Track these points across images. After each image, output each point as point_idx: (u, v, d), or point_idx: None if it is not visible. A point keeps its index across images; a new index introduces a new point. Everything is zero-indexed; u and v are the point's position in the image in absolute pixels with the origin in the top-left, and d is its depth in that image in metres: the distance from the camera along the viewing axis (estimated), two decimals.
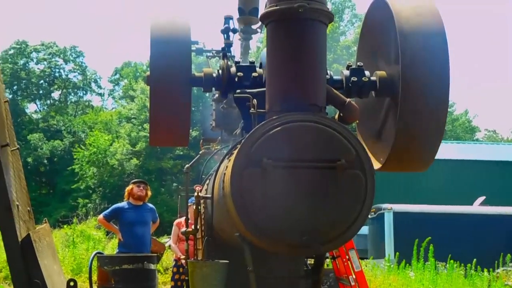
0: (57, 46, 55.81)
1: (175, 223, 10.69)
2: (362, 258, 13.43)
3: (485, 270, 15.92)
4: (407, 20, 4.32)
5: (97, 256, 6.75)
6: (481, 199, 22.30)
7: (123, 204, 9.96)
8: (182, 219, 10.42)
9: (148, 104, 4.53)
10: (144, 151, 41.16)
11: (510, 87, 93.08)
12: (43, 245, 6.01)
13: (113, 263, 6.49)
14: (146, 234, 9.82)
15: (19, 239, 5.54)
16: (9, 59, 54.09)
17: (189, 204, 7.94)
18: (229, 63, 4.70)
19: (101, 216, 10.09)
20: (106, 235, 21.46)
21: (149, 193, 10.12)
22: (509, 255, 16.93)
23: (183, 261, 9.51)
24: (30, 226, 6.14)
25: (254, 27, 7.82)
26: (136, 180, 10.47)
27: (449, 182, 29.09)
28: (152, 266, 6.78)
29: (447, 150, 29.04)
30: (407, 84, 4.25)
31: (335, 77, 4.68)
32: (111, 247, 18.30)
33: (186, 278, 4.73)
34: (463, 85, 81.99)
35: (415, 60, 4.24)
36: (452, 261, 15.69)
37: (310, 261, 5.24)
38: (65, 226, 20.82)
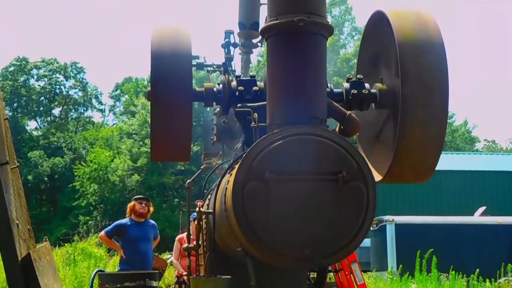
0: (57, 63, 55.85)
1: (177, 238, 10.65)
2: (365, 271, 13.39)
3: (487, 280, 15.87)
4: (406, 32, 4.34)
5: (98, 274, 6.74)
6: (482, 209, 22.26)
7: (126, 220, 9.91)
8: (184, 235, 10.38)
9: (149, 119, 4.54)
10: (146, 167, 41.07)
11: (509, 97, 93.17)
12: (43, 263, 5.99)
13: (114, 281, 6.47)
14: (149, 251, 9.77)
15: (19, 258, 5.51)
16: (9, 76, 54.12)
17: (190, 220, 7.93)
18: (230, 77, 4.72)
19: (102, 232, 10.04)
20: (108, 252, 21.38)
21: (151, 209, 10.08)
22: (510, 264, 16.87)
23: (185, 277, 9.47)
24: (30, 244, 6.12)
25: (254, 41, 7.85)
26: (138, 196, 10.43)
27: (449, 193, 29.07)
28: (154, 283, 6.75)
29: (447, 161, 29.03)
30: (407, 97, 4.26)
31: (335, 90, 4.69)
32: (112, 265, 18.22)
33: None
34: (462, 94, 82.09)
35: (414, 73, 4.26)
36: (454, 272, 15.64)
37: (313, 274, 5.23)
38: (66, 244, 20.74)
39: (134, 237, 9.59)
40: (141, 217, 9.78)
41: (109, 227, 10.12)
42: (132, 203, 9.92)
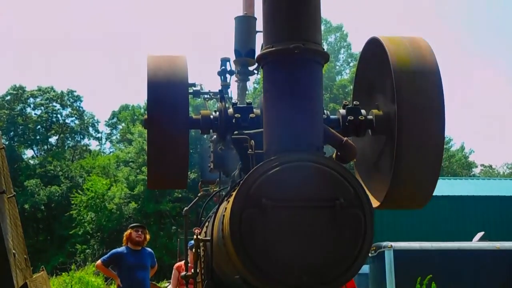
0: (54, 91, 55.97)
1: (175, 266, 10.61)
2: None
3: None
4: (401, 58, 4.37)
5: None
6: (480, 234, 22.18)
7: (122, 249, 9.88)
8: (182, 263, 10.34)
9: (146, 147, 4.54)
10: (143, 195, 41.01)
11: (506, 122, 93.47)
12: None
13: None
14: (146, 279, 9.74)
15: None
16: (6, 105, 54.22)
17: (188, 248, 7.88)
18: (226, 105, 4.73)
19: (99, 261, 9.99)
20: (105, 281, 21.25)
21: (148, 237, 10.05)
22: None
23: None
24: (27, 274, 6.08)
25: (251, 68, 7.88)
26: (134, 224, 10.40)
27: (447, 218, 29.02)
28: None
29: (445, 187, 29.02)
30: (403, 123, 4.28)
31: (331, 117, 4.70)
32: None
33: None
34: (458, 120, 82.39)
35: (410, 98, 4.28)
36: None
37: None
38: (63, 273, 20.60)
39: (131, 265, 9.56)
40: (137, 245, 9.76)
41: (106, 255, 10.08)
42: (128, 231, 9.90)
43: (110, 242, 40.13)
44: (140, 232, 9.82)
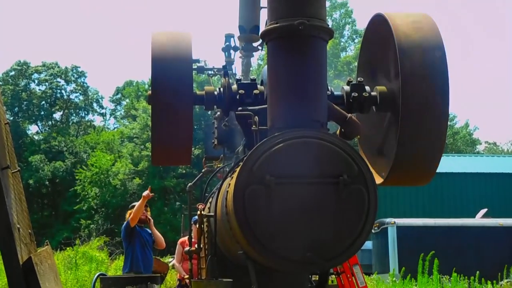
0: (58, 67, 55.84)
1: (179, 242, 10.66)
2: (366, 274, 13.38)
3: (489, 282, 15.86)
4: (406, 35, 4.34)
5: (100, 278, 6.71)
6: (483, 211, 22.24)
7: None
8: (186, 238, 10.39)
9: (150, 123, 4.55)
10: (147, 171, 41.07)
11: (510, 99, 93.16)
12: (44, 268, 5.98)
13: (116, 284, 6.46)
14: (152, 257, 9.92)
15: (21, 263, 5.51)
16: (10, 81, 54.12)
17: (192, 223, 7.88)
18: (230, 81, 4.72)
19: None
20: (109, 256, 21.38)
21: (149, 214, 10.19)
22: None
23: (187, 281, 9.47)
24: (32, 249, 6.11)
25: (255, 44, 7.86)
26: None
27: (451, 195, 29.08)
28: (156, 287, 6.75)
29: (449, 163, 29.03)
30: (407, 99, 4.26)
31: (336, 93, 4.69)
32: (114, 269, 18.21)
33: None
34: (463, 96, 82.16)
35: (415, 75, 4.26)
36: (456, 274, 15.64)
37: (315, 277, 5.22)
38: (67, 248, 20.73)
39: (144, 242, 9.70)
40: (142, 223, 9.86)
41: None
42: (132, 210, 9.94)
43: (114, 218, 40.30)
44: (145, 211, 9.95)
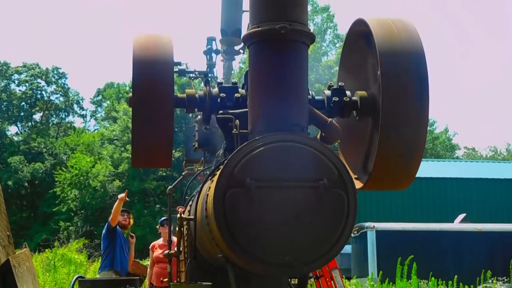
0: (39, 68, 55.47)
1: (150, 246, 10.72)
2: (346, 278, 13.42)
3: (467, 287, 15.99)
4: (387, 40, 4.37)
5: (78, 281, 6.67)
6: (461, 216, 22.41)
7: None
8: (156, 242, 10.47)
9: (130, 125, 4.53)
10: (127, 173, 40.93)
11: (489, 104, 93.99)
12: (23, 270, 5.94)
13: (95, 287, 6.42)
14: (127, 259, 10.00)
15: None
16: None
17: (158, 226, 7.93)
18: (211, 89, 4.71)
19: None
20: (88, 258, 21.27)
21: (132, 221, 10.27)
22: (489, 271, 17.01)
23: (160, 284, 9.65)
24: (10, 251, 6.06)
25: (236, 48, 7.86)
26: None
27: (430, 200, 29.28)
28: None
29: (428, 168, 29.22)
30: (387, 104, 4.28)
31: (316, 97, 4.71)
32: (92, 271, 18.13)
33: None
34: (443, 102, 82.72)
35: (395, 80, 4.28)
36: (434, 278, 15.74)
37: (294, 281, 5.23)
38: (46, 250, 20.60)
39: (122, 243, 9.76)
40: (123, 228, 9.93)
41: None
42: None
43: (93, 220, 40.11)
44: (125, 216, 10.03)
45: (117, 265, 9.62)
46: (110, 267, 9.65)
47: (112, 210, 9.67)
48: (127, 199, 9.58)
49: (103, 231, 9.94)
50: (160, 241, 10.36)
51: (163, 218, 10.76)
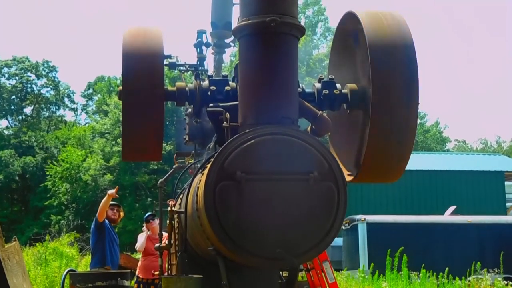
0: (29, 61, 55.17)
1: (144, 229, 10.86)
2: (336, 270, 13.45)
3: (457, 278, 16.05)
4: (377, 33, 4.38)
5: (69, 274, 6.68)
6: (452, 208, 22.49)
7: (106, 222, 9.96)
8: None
9: (121, 118, 4.53)
10: (118, 166, 40.82)
11: (479, 97, 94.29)
12: (12, 263, 5.94)
13: (86, 280, 6.42)
14: (118, 254, 9.96)
15: None
16: None
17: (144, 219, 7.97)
18: (202, 77, 4.71)
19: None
20: (79, 252, 21.24)
21: (122, 214, 10.22)
22: (479, 263, 17.09)
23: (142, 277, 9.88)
24: (0, 245, 6.07)
25: (227, 41, 7.85)
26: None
27: (420, 192, 29.38)
28: (126, 283, 6.74)
29: (419, 161, 29.31)
30: (378, 97, 4.30)
31: (307, 90, 4.72)
32: (84, 265, 18.11)
33: None
34: (434, 95, 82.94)
35: (385, 73, 4.30)
36: (424, 270, 15.80)
37: (285, 273, 5.25)
38: (37, 244, 20.55)
39: (112, 237, 9.70)
40: (113, 222, 9.89)
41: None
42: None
43: (85, 213, 40.02)
44: (115, 211, 9.95)
45: (108, 261, 9.57)
46: (101, 264, 9.60)
47: (100, 206, 9.61)
48: (116, 195, 9.53)
49: (92, 226, 9.90)
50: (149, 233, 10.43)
51: (147, 214, 10.78)
